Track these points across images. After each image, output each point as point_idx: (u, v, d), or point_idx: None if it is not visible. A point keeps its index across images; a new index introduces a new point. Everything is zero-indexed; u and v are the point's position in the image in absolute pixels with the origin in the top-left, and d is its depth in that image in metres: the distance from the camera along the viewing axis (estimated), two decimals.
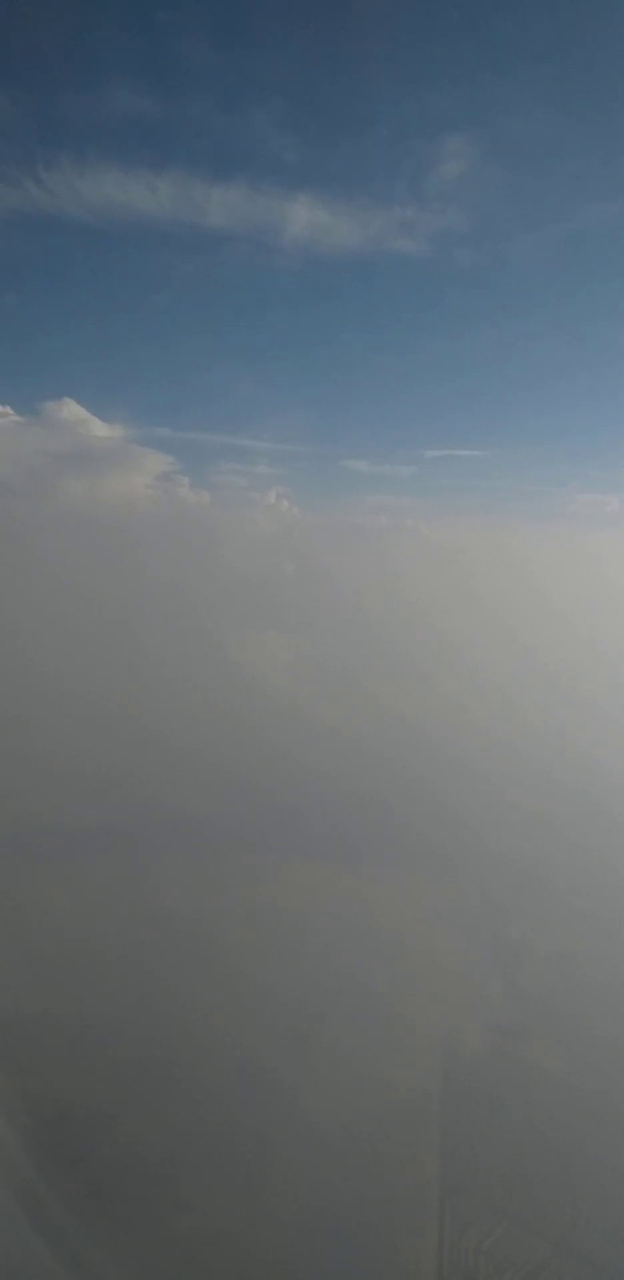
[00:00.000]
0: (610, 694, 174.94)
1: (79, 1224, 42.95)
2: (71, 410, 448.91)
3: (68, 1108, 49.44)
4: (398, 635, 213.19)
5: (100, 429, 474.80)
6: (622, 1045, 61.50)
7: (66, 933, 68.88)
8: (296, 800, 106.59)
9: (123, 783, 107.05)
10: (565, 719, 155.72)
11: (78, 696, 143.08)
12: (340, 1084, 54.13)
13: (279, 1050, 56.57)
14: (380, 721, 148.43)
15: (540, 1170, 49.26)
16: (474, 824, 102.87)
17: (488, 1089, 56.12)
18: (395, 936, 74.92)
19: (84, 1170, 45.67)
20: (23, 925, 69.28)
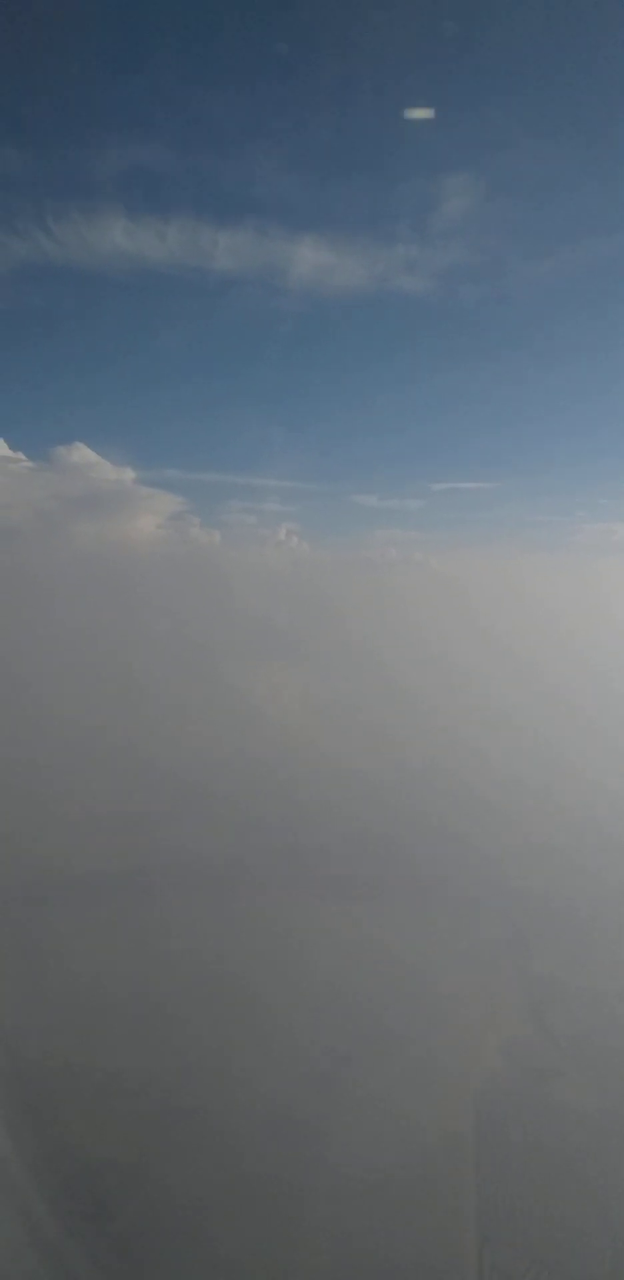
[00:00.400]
0: (622, 722, 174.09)
1: None
2: (82, 454, 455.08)
3: (94, 1162, 48.44)
4: (410, 669, 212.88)
5: (111, 472, 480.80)
6: None
7: (85, 979, 68.03)
8: (314, 838, 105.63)
9: (134, 825, 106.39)
10: (578, 749, 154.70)
11: (90, 737, 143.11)
12: (371, 1129, 52.89)
13: (308, 1095, 55.45)
14: (395, 756, 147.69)
15: (580, 1218, 47.81)
16: (493, 858, 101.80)
17: (522, 1132, 54.74)
18: (418, 975, 73.67)
19: (113, 1227, 44.62)
20: (42, 974, 68.49)
